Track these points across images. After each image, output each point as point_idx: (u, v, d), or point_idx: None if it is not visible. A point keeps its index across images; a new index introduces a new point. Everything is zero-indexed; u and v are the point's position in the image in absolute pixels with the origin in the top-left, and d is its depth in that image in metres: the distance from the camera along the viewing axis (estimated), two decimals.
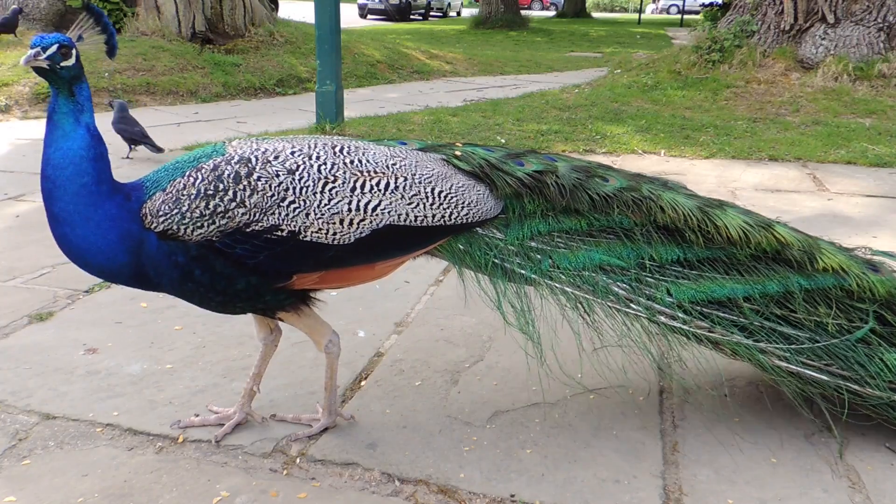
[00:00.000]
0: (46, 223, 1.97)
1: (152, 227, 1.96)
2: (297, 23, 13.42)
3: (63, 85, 1.92)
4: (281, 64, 11.09)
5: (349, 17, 27.13)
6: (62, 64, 1.89)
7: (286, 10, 15.42)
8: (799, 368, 2.25)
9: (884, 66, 8.77)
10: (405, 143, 2.43)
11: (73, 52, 1.92)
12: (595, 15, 41.92)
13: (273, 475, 2.17)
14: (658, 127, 7.72)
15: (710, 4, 21.05)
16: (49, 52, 1.87)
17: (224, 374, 2.77)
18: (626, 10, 58.80)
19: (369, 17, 32.50)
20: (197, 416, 2.46)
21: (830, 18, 9.06)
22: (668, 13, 49.05)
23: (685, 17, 33.95)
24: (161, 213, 1.95)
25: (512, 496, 2.09)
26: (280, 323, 2.40)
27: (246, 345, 2.99)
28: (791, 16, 9.28)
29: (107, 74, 9.20)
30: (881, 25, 9.01)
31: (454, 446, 2.33)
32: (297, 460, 2.25)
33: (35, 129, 7.60)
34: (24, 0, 10.56)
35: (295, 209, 1.98)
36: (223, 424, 2.39)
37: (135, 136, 6.14)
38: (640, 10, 43.49)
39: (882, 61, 8.82)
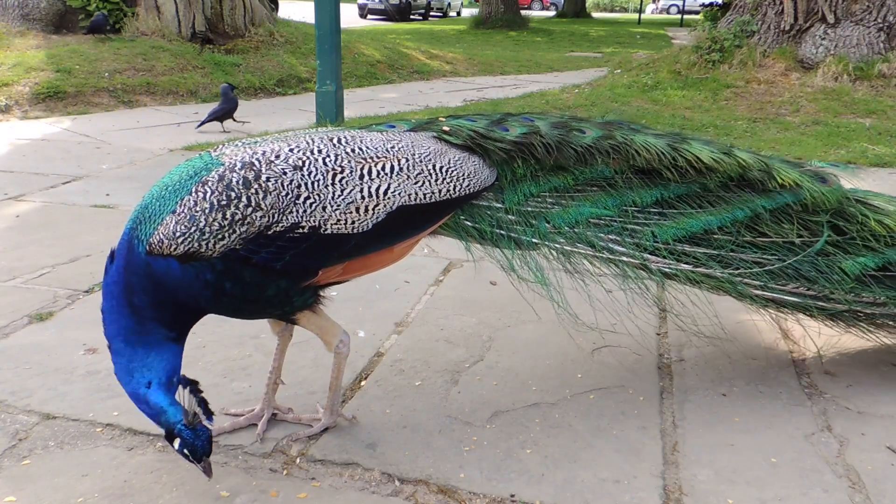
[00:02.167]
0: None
1: (172, 250, 1.92)
2: (297, 23, 13.42)
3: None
4: (281, 64, 11.09)
5: (349, 17, 27.12)
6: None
7: (286, 10, 15.41)
8: (774, 295, 2.48)
9: (884, 66, 8.76)
10: (394, 126, 2.49)
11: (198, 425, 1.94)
12: (595, 15, 41.89)
13: (273, 475, 2.17)
14: (658, 127, 7.71)
15: (710, 4, 21.03)
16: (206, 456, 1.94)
17: (224, 374, 2.77)
18: (626, 10, 58.77)
19: (369, 17, 32.47)
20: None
21: (830, 18, 9.06)
22: (668, 13, 49.04)
23: (685, 17, 33.91)
24: (178, 233, 1.92)
25: (512, 496, 2.09)
26: None
27: (246, 345, 2.99)
28: (791, 16, 9.27)
29: (107, 75, 9.20)
30: (881, 25, 9.01)
31: (454, 446, 2.33)
32: (297, 460, 2.25)
33: (35, 129, 7.60)
34: (26, 1, 10.54)
35: (311, 204, 2.00)
36: (255, 424, 2.40)
37: (215, 114, 7.48)
38: (640, 10, 43.49)
39: (882, 61, 8.82)
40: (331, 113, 7.67)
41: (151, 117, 8.41)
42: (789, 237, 2.50)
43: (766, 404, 2.58)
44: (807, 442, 2.37)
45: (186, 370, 2.84)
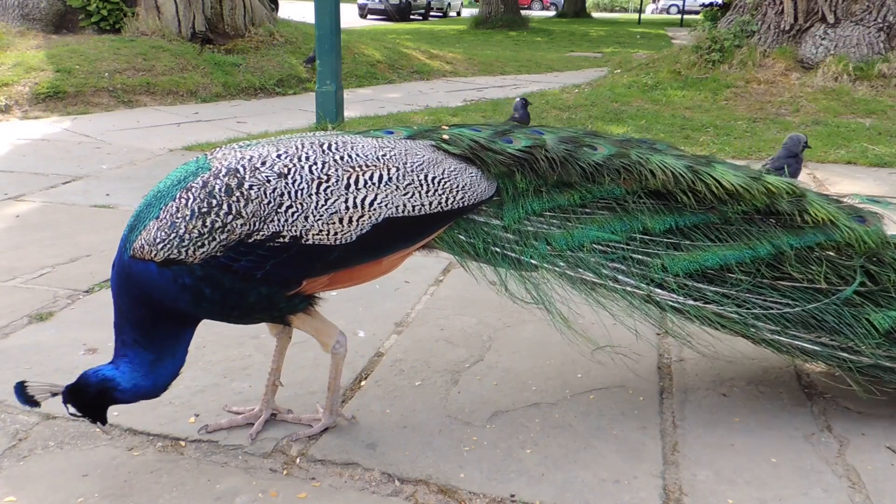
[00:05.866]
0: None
1: (152, 256, 1.93)
2: (297, 23, 13.42)
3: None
4: (281, 64, 11.08)
5: (349, 17, 27.10)
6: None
7: (286, 10, 15.42)
8: (791, 341, 2.25)
9: (884, 66, 8.77)
10: (392, 132, 2.42)
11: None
12: (595, 15, 41.86)
13: (273, 475, 2.17)
14: (658, 127, 7.72)
15: (710, 4, 21.04)
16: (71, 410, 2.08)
17: (224, 374, 2.77)
18: (626, 10, 58.74)
19: (369, 17, 32.46)
20: (197, 415, 2.46)
21: (830, 18, 9.06)
22: (668, 13, 49.01)
23: (685, 17, 33.88)
24: (158, 239, 1.93)
25: (512, 496, 2.09)
26: None
27: (246, 345, 2.99)
28: (791, 16, 9.27)
29: (107, 75, 9.19)
30: (881, 25, 9.01)
31: (454, 446, 2.33)
32: (297, 460, 2.25)
33: (35, 129, 7.60)
34: (26, 1, 10.53)
35: (294, 214, 1.97)
36: (252, 423, 2.39)
37: None
38: (640, 10, 43.47)
39: (882, 61, 8.82)
40: (331, 113, 7.66)
41: (151, 117, 8.41)
42: (815, 281, 2.25)
43: (766, 404, 2.58)
44: (807, 442, 2.37)
45: (186, 369, 2.85)
